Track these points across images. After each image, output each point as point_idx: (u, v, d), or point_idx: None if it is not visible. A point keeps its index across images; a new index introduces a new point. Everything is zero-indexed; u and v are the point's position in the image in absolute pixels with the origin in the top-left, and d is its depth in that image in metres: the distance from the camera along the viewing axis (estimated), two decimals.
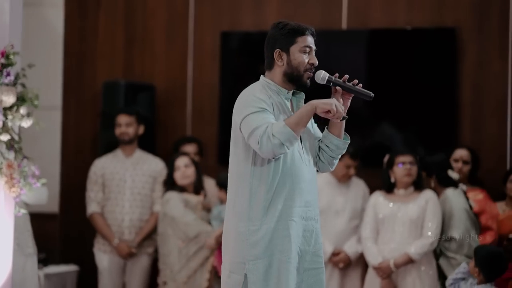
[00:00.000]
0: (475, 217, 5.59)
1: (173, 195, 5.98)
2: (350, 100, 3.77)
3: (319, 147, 3.83)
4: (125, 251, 6.32)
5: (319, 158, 3.83)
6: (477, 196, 5.82)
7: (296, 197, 3.69)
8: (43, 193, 5.74)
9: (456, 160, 5.94)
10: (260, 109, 3.62)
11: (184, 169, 6.01)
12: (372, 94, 3.69)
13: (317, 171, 3.88)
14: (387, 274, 5.53)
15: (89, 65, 7.35)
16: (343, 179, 6.00)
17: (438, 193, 5.66)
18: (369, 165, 6.36)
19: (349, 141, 3.82)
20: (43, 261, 6.22)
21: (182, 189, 6.01)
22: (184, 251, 5.86)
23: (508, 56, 6.48)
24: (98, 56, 7.35)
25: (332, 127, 3.79)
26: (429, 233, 5.47)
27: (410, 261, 5.47)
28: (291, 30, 3.73)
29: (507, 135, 6.45)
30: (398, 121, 6.74)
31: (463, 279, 4.92)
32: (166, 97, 7.17)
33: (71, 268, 6.68)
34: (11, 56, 5.01)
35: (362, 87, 3.73)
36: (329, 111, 3.59)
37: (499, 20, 6.53)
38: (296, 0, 6.96)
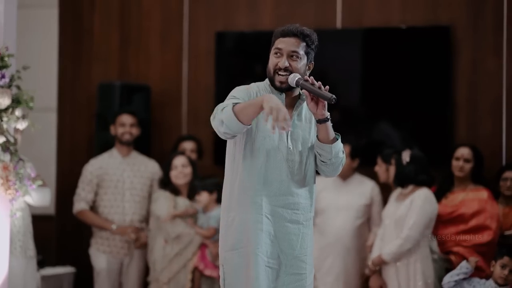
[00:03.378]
0: None
1: (162, 194, 6.02)
2: (324, 105, 3.61)
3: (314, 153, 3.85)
4: (127, 230, 6.30)
5: (317, 163, 3.83)
6: (481, 195, 5.80)
7: (274, 197, 3.71)
8: (46, 194, 5.74)
9: (457, 159, 5.89)
10: (233, 97, 3.64)
11: (181, 169, 6.03)
12: (333, 96, 3.54)
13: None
14: (371, 271, 5.61)
15: (84, 67, 7.34)
16: (341, 177, 6.06)
17: None
18: (365, 163, 6.36)
19: (331, 145, 3.70)
20: (40, 263, 6.21)
21: (175, 190, 6.03)
22: (167, 251, 5.88)
23: (502, 54, 6.49)
24: (93, 58, 7.34)
25: (318, 131, 3.73)
26: (403, 233, 5.45)
27: (382, 261, 5.51)
28: (274, 33, 3.78)
29: (502, 132, 6.46)
30: (393, 119, 6.74)
31: (465, 279, 4.94)
32: (161, 98, 7.16)
33: (67, 269, 6.67)
34: (6, 58, 5.01)
35: (328, 90, 3.58)
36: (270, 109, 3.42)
37: (493, 18, 6.54)
38: (291, 0, 6.97)
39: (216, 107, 3.62)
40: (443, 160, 6.07)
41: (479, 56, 6.58)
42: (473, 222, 5.71)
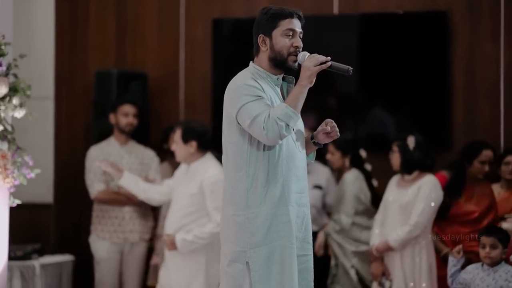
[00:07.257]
0: (371, 203, 5.89)
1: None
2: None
3: None
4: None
5: None
6: (487, 190, 5.72)
7: (293, 183, 3.71)
8: None
9: (483, 162, 5.62)
10: (256, 97, 3.63)
11: None
12: (350, 68, 3.68)
13: None
14: (373, 257, 5.59)
15: (81, 55, 7.33)
16: None
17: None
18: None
19: (311, 161, 3.97)
20: (39, 252, 6.21)
21: None
22: None
23: (500, 38, 6.48)
24: (89, 46, 7.33)
25: (306, 147, 3.86)
26: (412, 219, 5.45)
27: (389, 248, 5.51)
28: (274, 14, 3.74)
29: (500, 117, 6.46)
30: (390, 105, 6.74)
31: (459, 270, 4.98)
32: (158, 85, 7.16)
33: (67, 258, 6.67)
34: (3, 47, 5.01)
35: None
36: (322, 63, 3.66)
37: (490, 3, 6.53)
38: None
39: (254, 118, 3.57)
40: (440, 146, 6.07)
41: (476, 41, 6.57)
42: (485, 221, 5.59)
